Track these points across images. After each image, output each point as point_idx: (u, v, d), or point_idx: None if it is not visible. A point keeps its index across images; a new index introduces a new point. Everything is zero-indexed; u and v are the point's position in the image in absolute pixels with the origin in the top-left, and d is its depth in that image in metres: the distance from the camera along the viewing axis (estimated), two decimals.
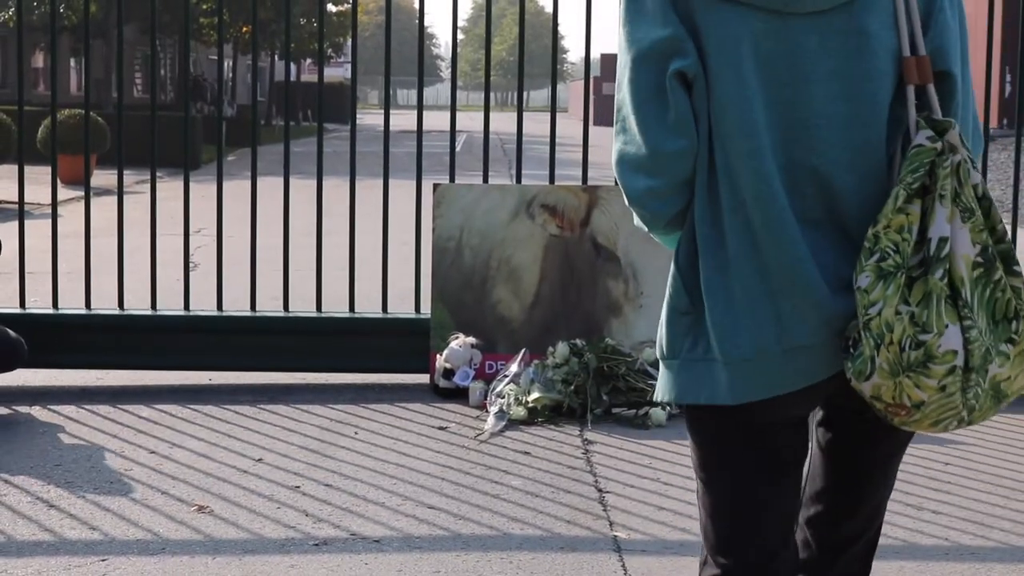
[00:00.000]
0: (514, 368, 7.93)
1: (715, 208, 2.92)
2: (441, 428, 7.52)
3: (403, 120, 20.53)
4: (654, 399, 3.44)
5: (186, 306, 8.79)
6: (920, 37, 2.90)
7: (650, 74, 2.90)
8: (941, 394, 2.76)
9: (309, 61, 61.25)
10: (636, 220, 3.07)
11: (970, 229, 2.79)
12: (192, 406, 7.91)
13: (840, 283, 2.84)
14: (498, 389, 7.80)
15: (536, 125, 15.28)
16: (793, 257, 2.85)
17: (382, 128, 8.70)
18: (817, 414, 3.24)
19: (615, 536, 5.78)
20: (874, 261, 2.76)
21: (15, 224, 8.79)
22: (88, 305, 8.79)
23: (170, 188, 13.42)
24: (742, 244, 2.89)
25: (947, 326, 2.74)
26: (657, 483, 6.52)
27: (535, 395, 7.69)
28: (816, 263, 2.86)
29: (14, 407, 7.85)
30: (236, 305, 9.09)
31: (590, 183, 8.69)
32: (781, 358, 2.88)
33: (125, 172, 8.85)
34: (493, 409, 7.63)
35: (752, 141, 2.87)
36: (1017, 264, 2.85)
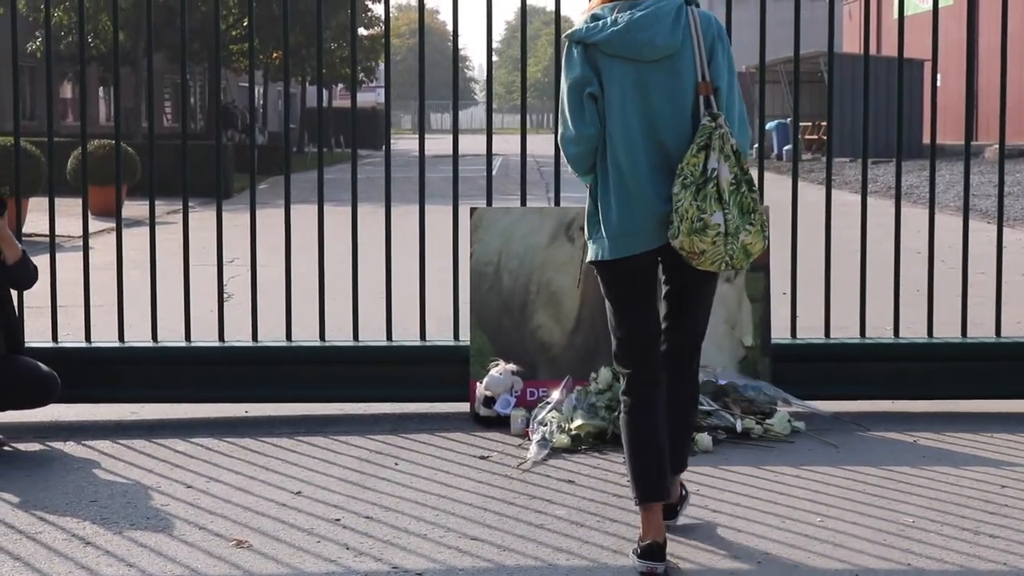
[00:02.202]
0: (556, 395, 7.81)
1: (604, 162, 5.58)
2: (483, 457, 7.40)
3: (437, 144, 20.47)
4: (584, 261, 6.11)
5: (221, 337, 8.70)
6: (707, 70, 5.56)
7: (575, 94, 5.61)
8: (713, 247, 5.37)
9: (340, 86, 61.32)
10: (569, 168, 5.84)
11: (728, 166, 5.43)
12: (229, 439, 7.82)
13: (665, 196, 5.46)
14: (540, 416, 7.68)
15: None
16: (640, 184, 5.51)
17: (416, 153, 8.62)
18: (662, 276, 5.74)
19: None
20: (680, 180, 5.41)
21: (46, 257, 8.71)
22: (121, 338, 8.70)
23: (202, 218, 13.37)
24: (616, 178, 5.54)
25: (715, 212, 5.37)
26: (704, 510, 6.39)
27: (578, 422, 7.57)
28: (652, 186, 5.49)
29: (48, 443, 7.77)
30: (271, 336, 8.99)
31: None
32: (632, 234, 5.51)
33: (156, 202, 8.78)
34: (535, 437, 7.51)
35: (625, 126, 5.53)
36: (754, 185, 5.52)
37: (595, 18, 5.58)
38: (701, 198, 5.33)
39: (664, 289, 5.76)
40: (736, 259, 5.40)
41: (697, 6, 5.62)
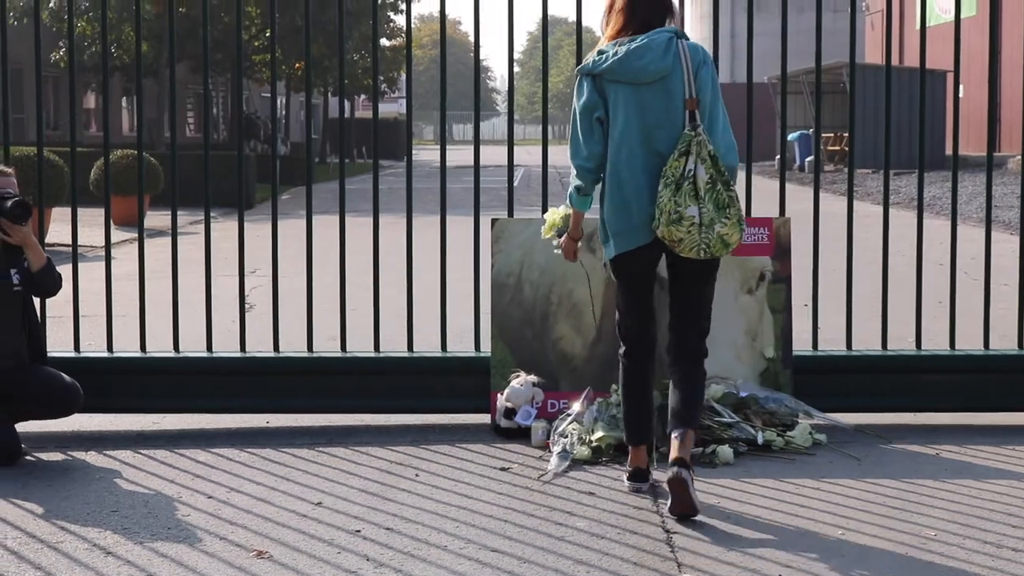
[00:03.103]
0: (577, 406, 7.80)
1: (609, 172, 6.64)
2: (503, 469, 7.39)
3: (458, 155, 20.49)
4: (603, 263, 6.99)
5: (242, 348, 8.71)
6: (694, 88, 6.58)
7: (586, 118, 6.70)
8: (688, 235, 6.41)
9: (363, 97, 61.43)
10: (572, 186, 6.86)
11: (705, 168, 6.46)
12: (250, 450, 7.83)
13: (655, 198, 6.52)
14: (561, 428, 7.68)
15: None
16: (637, 189, 6.57)
17: (437, 164, 8.62)
18: (664, 272, 6.79)
19: None
20: (663, 180, 6.47)
21: (69, 267, 8.73)
22: (143, 348, 8.72)
23: (224, 228, 13.39)
24: (617, 186, 6.61)
25: (689, 206, 6.41)
26: (726, 523, 6.37)
27: (599, 434, 7.56)
28: (648, 191, 6.54)
29: (70, 453, 7.79)
30: (293, 346, 9.00)
31: None
32: (628, 232, 6.60)
33: (179, 212, 8.79)
34: (556, 449, 7.50)
35: (627, 140, 6.59)
36: (731, 186, 6.53)
37: (600, 53, 6.71)
38: (679, 195, 6.43)
39: (669, 283, 6.84)
40: (714, 247, 6.47)
41: (686, 39, 6.76)
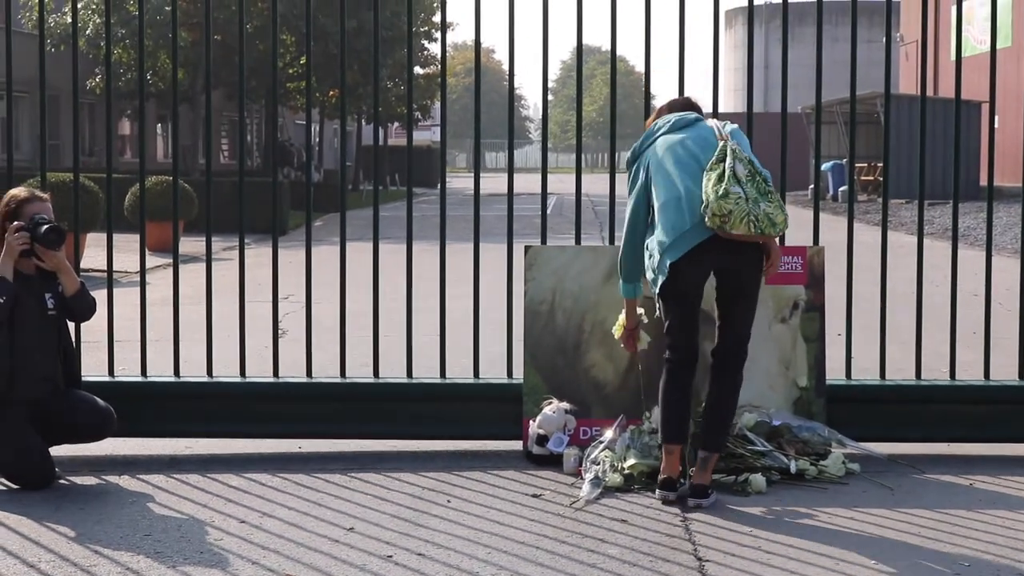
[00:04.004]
0: (609, 434, 7.80)
1: (657, 206, 7.28)
2: (535, 496, 7.39)
3: (491, 183, 20.49)
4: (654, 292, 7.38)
5: (275, 373, 8.73)
6: (724, 131, 7.34)
7: (638, 211, 7.42)
8: (737, 206, 6.89)
9: (396, 125, 61.53)
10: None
11: (743, 165, 7.06)
12: (282, 474, 7.84)
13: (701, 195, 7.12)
14: (593, 455, 7.67)
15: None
16: (687, 191, 7.15)
17: (470, 191, 8.63)
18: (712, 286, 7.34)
19: None
20: (705, 174, 7.09)
21: (104, 292, 8.76)
22: (177, 373, 8.75)
23: (258, 254, 13.40)
24: (665, 203, 7.22)
25: (734, 185, 6.95)
26: (758, 551, 6.36)
27: (631, 461, 7.55)
28: (696, 189, 7.12)
29: (103, 476, 7.81)
30: (325, 372, 9.02)
31: None
32: (682, 237, 7.11)
33: (213, 239, 8.82)
34: (588, 476, 7.50)
35: (672, 181, 7.26)
36: (770, 183, 7.13)
37: (649, 135, 7.54)
38: (723, 179, 7.01)
39: (715, 296, 7.40)
40: (762, 222, 6.95)
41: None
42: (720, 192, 6.95)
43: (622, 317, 7.85)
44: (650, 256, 7.29)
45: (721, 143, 7.21)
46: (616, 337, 7.97)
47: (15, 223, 7.61)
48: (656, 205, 7.26)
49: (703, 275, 7.27)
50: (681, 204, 7.14)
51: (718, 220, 6.94)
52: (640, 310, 7.81)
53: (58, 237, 7.60)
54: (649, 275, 7.30)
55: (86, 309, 7.87)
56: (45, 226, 7.59)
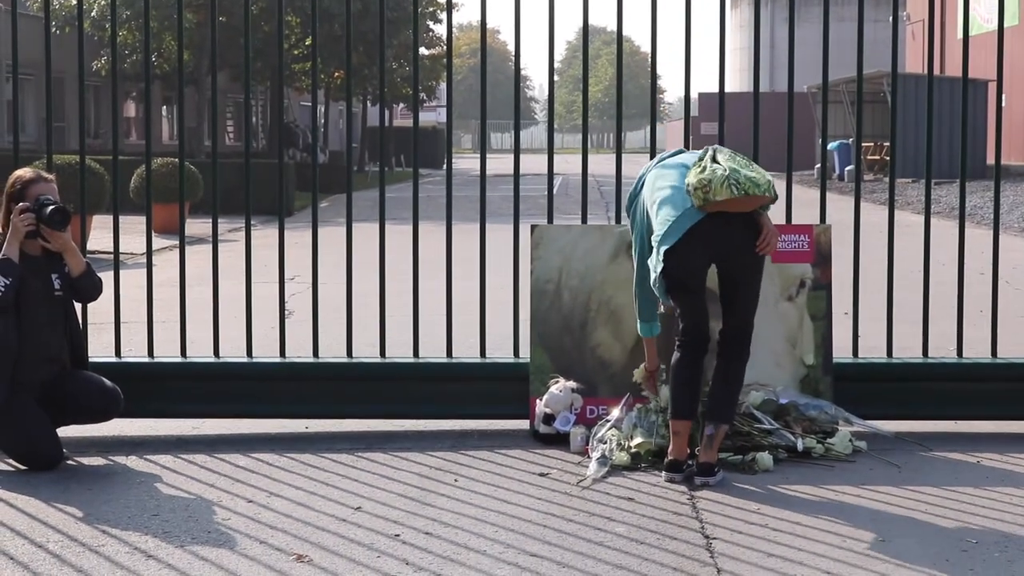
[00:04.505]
0: (616, 413, 7.81)
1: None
2: (542, 474, 7.40)
3: (497, 164, 20.48)
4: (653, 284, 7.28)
5: (282, 354, 8.74)
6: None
7: (643, 251, 7.51)
8: (716, 176, 6.97)
9: (402, 106, 61.51)
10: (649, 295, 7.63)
11: (724, 153, 7.22)
12: (289, 454, 7.85)
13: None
14: (600, 434, 7.68)
15: (633, 166, 15.16)
16: (678, 185, 7.27)
17: (475, 173, 8.66)
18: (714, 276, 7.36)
19: None
20: (689, 170, 7.21)
21: (110, 273, 8.77)
22: (184, 354, 8.76)
23: (264, 236, 13.43)
24: (661, 216, 7.25)
25: (712, 164, 7.09)
26: (765, 529, 6.37)
27: (638, 440, 7.56)
28: (681, 199, 7.17)
29: (111, 457, 7.82)
30: (332, 352, 9.03)
31: None
32: (676, 223, 7.11)
33: (219, 220, 8.82)
34: (595, 455, 7.50)
35: (663, 191, 7.35)
36: (754, 166, 7.17)
37: (640, 176, 7.77)
38: (704, 160, 7.19)
39: (719, 286, 7.41)
40: (744, 184, 6.97)
41: None
42: (698, 170, 7.10)
43: (643, 366, 8.02)
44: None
45: (705, 149, 7.37)
46: (636, 380, 8.05)
47: (20, 204, 7.60)
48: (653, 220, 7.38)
49: (700, 261, 7.24)
50: (671, 200, 7.22)
51: (701, 193, 7.03)
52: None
53: (63, 218, 7.59)
54: (652, 276, 7.26)
55: (92, 289, 7.88)
56: (51, 207, 7.58)
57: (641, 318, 7.78)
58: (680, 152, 7.65)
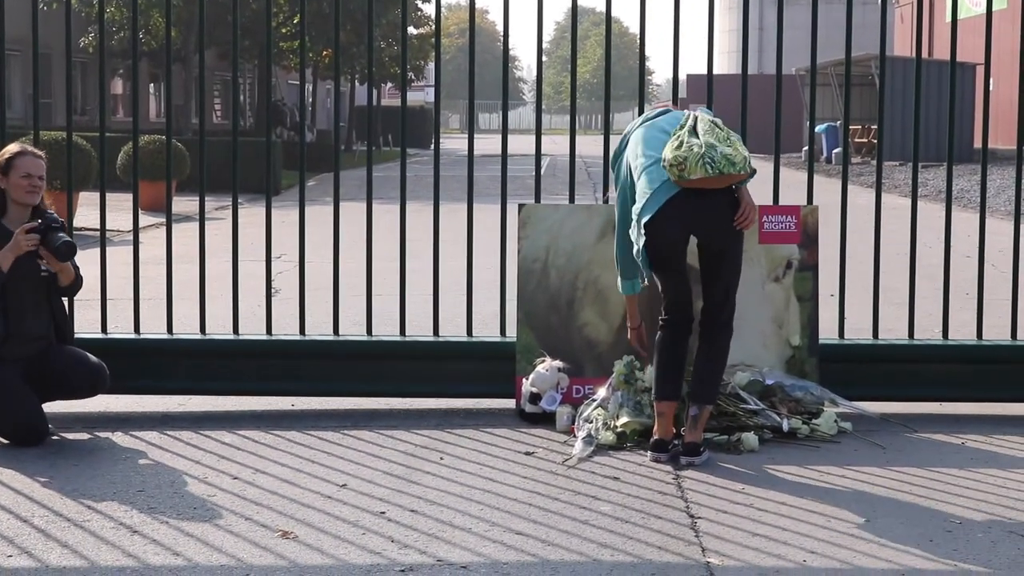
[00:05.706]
0: (602, 392, 7.81)
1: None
2: (528, 453, 7.41)
3: (484, 144, 20.47)
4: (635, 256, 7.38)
5: (268, 331, 8.74)
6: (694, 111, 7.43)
7: (625, 208, 7.55)
8: (691, 153, 6.95)
9: (389, 85, 61.40)
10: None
11: (704, 121, 7.18)
12: (275, 432, 7.85)
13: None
14: (586, 414, 7.69)
15: None
16: (650, 183, 7.21)
17: (463, 153, 8.63)
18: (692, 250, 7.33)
19: (708, 562, 5.66)
20: (669, 142, 7.15)
21: (96, 251, 8.76)
22: (170, 331, 8.75)
23: (251, 214, 13.41)
24: (641, 187, 7.30)
25: (689, 137, 7.05)
26: (750, 508, 6.38)
27: (624, 419, 7.57)
28: (659, 171, 7.17)
29: (96, 433, 7.82)
30: (318, 330, 9.03)
31: None
32: (654, 195, 7.14)
33: (206, 198, 8.80)
34: (581, 434, 7.51)
35: (644, 158, 7.35)
36: (732, 137, 7.13)
37: (625, 135, 7.74)
38: (682, 131, 7.15)
39: (700, 266, 7.40)
40: (719, 163, 6.98)
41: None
42: (675, 145, 7.07)
43: (620, 367, 7.89)
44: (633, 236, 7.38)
45: (687, 114, 7.35)
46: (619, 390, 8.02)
47: (27, 224, 7.59)
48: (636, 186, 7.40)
49: (679, 234, 7.23)
50: (650, 171, 7.24)
51: (676, 171, 7.03)
52: None
53: (70, 252, 7.59)
54: (635, 248, 7.31)
55: (76, 291, 7.94)
56: (61, 239, 7.54)
57: (623, 276, 7.79)
58: (667, 112, 7.61)
